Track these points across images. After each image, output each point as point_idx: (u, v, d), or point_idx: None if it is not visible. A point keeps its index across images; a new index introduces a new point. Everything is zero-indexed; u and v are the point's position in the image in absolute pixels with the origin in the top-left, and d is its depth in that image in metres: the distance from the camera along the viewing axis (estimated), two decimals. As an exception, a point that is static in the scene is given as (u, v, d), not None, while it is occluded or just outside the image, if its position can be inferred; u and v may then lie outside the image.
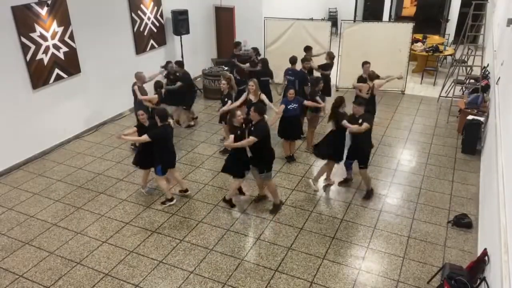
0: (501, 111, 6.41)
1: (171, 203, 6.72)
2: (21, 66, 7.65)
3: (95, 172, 7.74)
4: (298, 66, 8.81)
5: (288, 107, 7.49)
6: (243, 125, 6.25)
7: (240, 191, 6.91)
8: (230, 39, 12.51)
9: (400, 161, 8.03)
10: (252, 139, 5.90)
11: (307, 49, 9.49)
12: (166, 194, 6.74)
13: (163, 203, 6.72)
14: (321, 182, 7.25)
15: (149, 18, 10.36)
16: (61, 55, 8.30)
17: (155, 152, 6.34)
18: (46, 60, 8.03)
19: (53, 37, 8.07)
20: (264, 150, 6.17)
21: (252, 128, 6.07)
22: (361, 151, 6.69)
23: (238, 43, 10.38)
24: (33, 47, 7.72)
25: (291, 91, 7.47)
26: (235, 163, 6.32)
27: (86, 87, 9.05)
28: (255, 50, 10.20)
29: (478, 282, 4.43)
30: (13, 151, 7.78)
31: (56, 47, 8.17)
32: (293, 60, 8.83)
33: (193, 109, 9.62)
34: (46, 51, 7.99)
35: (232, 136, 6.14)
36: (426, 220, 6.31)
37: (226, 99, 7.82)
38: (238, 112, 6.21)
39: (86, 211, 6.65)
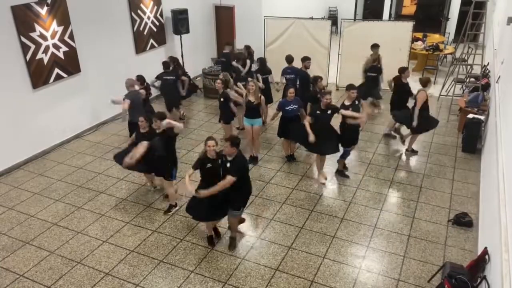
0: (501, 110, 6.41)
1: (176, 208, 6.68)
2: (21, 65, 7.64)
3: (95, 172, 7.74)
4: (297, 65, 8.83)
5: (286, 108, 7.43)
6: (216, 157, 5.36)
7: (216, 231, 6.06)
8: (230, 38, 12.50)
9: (400, 160, 8.02)
10: (230, 179, 5.08)
11: (373, 47, 9.58)
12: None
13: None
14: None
15: (149, 18, 10.36)
16: (61, 55, 8.30)
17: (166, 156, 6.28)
18: (46, 60, 8.02)
19: (53, 37, 8.06)
20: (244, 187, 5.45)
21: (228, 165, 5.22)
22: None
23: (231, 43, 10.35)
24: (33, 46, 7.71)
25: (291, 90, 7.41)
26: (211, 209, 5.45)
27: (86, 87, 9.06)
28: (247, 48, 10.20)
29: (479, 281, 4.44)
30: (13, 150, 7.78)
31: (56, 46, 8.16)
32: (290, 59, 8.84)
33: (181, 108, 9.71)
34: (46, 51, 7.99)
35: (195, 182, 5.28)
36: (426, 219, 6.31)
37: (221, 99, 7.82)
38: (210, 142, 5.23)
39: (87, 210, 6.65)
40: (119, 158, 6.53)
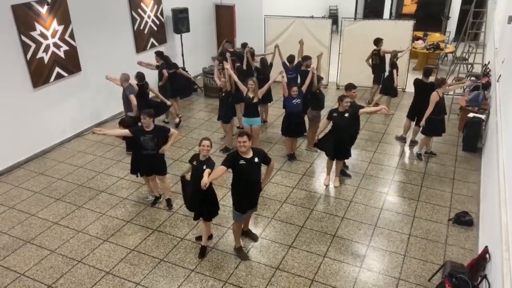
0: (502, 109, 6.41)
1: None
2: (22, 64, 7.65)
3: (95, 171, 7.75)
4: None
5: (293, 102, 7.48)
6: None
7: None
8: (231, 37, 12.50)
9: (401, 159, 8.02)
10: (221, 167, 4.91)
11: (378, 41, 9.69)
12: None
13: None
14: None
15: (149, 17, 10.35)
16: (62, 54, 8.30)
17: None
18: (46, 59, 8.02)
19: (53, 36, 8.06)
20: (234, 187, 5.29)
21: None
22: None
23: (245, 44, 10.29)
24: (33, 45, 7.72)
25: (295, 89, 7.42)
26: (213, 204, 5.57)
27: (87, 86, 9.06)
28: (244, 46, 10.17)
29: (479, 279, 4.44)
30: (14, 149, 7.78)
31: (56, 45, 8.16)
32: (290, 59, 8.86)
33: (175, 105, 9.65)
34: (46, 50, 7.99)
35: (207, 171, 5.04)
36: (427, 218, 6.31)
37: (223, 96, 7.82)
38: (205, 142, 5.22)
39: (87, 209, 6.65)
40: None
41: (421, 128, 7.78)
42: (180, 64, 11.07)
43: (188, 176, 5.60)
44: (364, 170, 7.61)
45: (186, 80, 9.74)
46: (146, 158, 6.25)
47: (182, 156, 8.18)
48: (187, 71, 10.97)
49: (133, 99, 7.69)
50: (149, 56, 10.28)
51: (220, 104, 8.03)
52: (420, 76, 8.14)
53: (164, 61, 9.15)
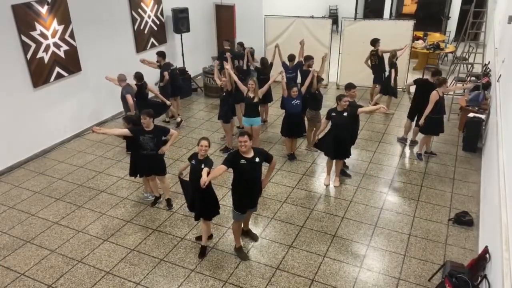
0: (502, 109, 6.41)
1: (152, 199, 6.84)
2: (22, 64, 7.65)
3: (96, 171, 7.75)
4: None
5: (292, 103, 7.48)
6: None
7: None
8: (231, 37, 12.50)
9: (401, 159, 8.02)
10: (222, 166, 4.93)
11: (375, 41, 9.73)
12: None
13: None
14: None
15: (149, 16, 10.35)
16: (62, 54, 8.30)
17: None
18: (46, 59, 8.02)
19: (53, 36, 8.06)
20: (234, 187, 5.32)
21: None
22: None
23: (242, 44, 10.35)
24: (33, 45, 7.71)
25: (295, 89, 7.42)
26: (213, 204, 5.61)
27: (87, 86, 9.06)
28: (241, 44, 10.13)
29: (479, 279, 4.44)
30: (14, 149, 7.78)
31: (56, 45, 8.16)
32: (291, 58, 8.88)
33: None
34: (46, 50, 7.99)
35: (205, 169, 4.99)
36: (427, 218, 6.31)
37: (224, 96, 7.82)
38: (203, 142, 5.22)
39: (87, 209, 6.66)
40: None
41: (421, 128, 7.78)
42: (180, 64, 11.10)
43: (186, 177, 5.60)
44: (364, 170, 7.61)
45: (187, 80, 9.73)
46: (145, 158, 6.25)
47: (182, 156, 8.17)
48: (187, 71, 11.00)
49: (129, 98, 7.69)
50: (149, 56, 10.30)
51: (221, 103, 8.03)
52: (419, 77, 8.14)
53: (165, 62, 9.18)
